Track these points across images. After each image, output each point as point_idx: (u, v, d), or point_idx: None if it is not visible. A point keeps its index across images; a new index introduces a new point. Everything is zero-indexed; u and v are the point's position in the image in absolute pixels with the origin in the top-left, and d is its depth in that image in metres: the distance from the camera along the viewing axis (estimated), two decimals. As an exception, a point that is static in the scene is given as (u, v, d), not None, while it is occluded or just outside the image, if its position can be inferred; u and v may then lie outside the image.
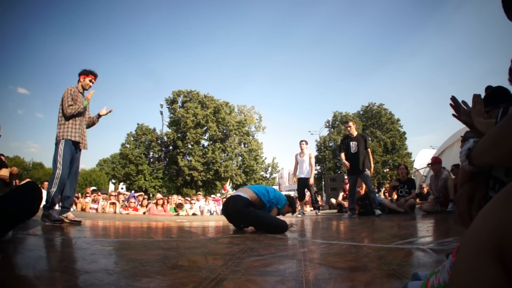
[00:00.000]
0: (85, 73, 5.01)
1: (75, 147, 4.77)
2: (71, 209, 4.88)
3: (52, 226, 4.17)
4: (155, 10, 65.77)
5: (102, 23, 67.16)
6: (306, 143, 9.00)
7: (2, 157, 4.54)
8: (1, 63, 55.05)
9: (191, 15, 66.24)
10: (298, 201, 10.28)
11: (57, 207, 4.82)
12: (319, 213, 8.43)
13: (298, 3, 70.74)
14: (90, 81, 5.02)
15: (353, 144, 7.16)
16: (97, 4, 65.59)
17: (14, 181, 4.33)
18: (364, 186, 8.40)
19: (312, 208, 10.12)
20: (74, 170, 4.85)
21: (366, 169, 7.00)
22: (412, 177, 15.59)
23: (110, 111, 5.18)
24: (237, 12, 69.11)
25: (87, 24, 68.48)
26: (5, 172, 4.16)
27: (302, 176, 8.64)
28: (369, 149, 7.15)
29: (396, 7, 64.30)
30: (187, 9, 66.19)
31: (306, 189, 8.99)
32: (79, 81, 5.02)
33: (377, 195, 8.89)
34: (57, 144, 4.63)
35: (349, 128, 7.37)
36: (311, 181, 8.72)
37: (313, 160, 8.72)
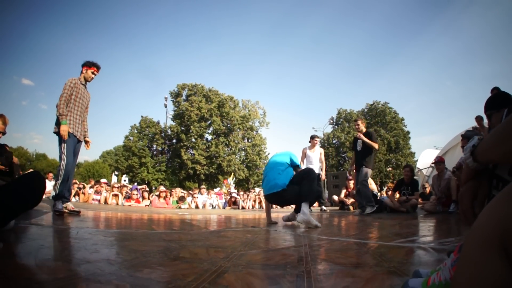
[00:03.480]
0: (88, 64, 4.97)
1: (78, 140, 4.82)
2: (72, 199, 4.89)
3: (54, 216, 4.20)
4: (161, 5, 65.60)
5: (107, 17, 67.15)
6: (319, 138, 8.97)
7: (6, 147, 4.54)
8: (5, 54, 55.12)
9: (197, 10, 66.06)
10: None
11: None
12: (326, 209, 8.38)
13: (304, 2, 70.30)
14: (93, 73, 5.00)
15: (358, 142, 7.29)
16: (104, -3, 65.45)
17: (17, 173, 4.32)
18: (368, 184, 8.40)
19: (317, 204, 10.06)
20: (74, 162, 4.89)
21: (364, 166, 7.05)
22: (415, 177, 15.55)
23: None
24: (243, 9, 68.92)
25: (92, 18, 68.44)
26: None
27: None
28: (373, 144, 7.11)
29: (402, 9, 63.86)
30: (193, 4, 66.00)
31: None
32: (81, 72, 4.97)
33: (376, 192, 8.88)
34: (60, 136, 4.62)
35: (357, 127, 7.47)
36: (323, 176, 8.68)
37: (323, 157, 8.63)
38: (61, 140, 4.56)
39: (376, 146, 7.14)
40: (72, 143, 4.68)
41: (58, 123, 4.58)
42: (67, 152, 4.55)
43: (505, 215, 0.58)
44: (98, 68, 5.06)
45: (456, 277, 0.68)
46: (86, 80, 5.00)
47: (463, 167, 1.09)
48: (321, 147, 8.76)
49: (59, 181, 4.49)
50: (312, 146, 8.63)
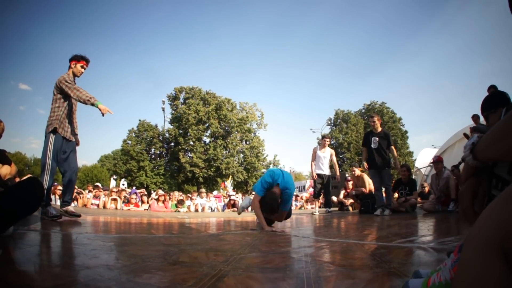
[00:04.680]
0: (77, 58, 4.72)
1: (66, 140, 4.60)
2: (72, 204, 4.80)
3: (53, 221, 4.17)
4: (158, 8, 65.41)
5: (104, 21, 66.82)
6: (330, 139, 8.92)
7: (5, 153, 4.48)
8: (3, 59, 54.86)
9: (193, 12, 66.00)
10: (313, 198, 10.31)
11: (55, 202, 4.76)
12: (330, 211, 8.48)
13: (301, 2, 70.34)
14: (82, 67, 4.75)
15: (374, 140, 7.11)
16: (100, 2, 65.23)
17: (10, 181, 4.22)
18: (368, 185, 8.47)
19: (314, 206, 10.06)
20: (70, 163, 4.67)
21: (387, 167, 6.99)
22: (414, 176, 15.57)
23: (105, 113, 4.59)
24: (240, 11, 68.71)
25: (89, 21, 68.10)
26: (6, 170, 4.09)
27: (321, 172, 8.36)
28: (392, 147, 7.07)
29: (399, 8, 63.81)
30: (189, 7, 65.91)
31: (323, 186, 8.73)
32: (70, 67, 4.72)
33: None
34: (46, 137, 4.45)
35: (373, 124, 7.33)
36: (338, 178, 8.73)
37: (334, 158, 8.59)
38: (47, 142, 4.40)
39: (395, 152, 7.17)
40: (59, 145, 4.49)
41: (50, 124, 4.43)
42: (52, 155, 4.39)
43: (504, 219, 0.58)
44: (87, 61, 4.82)
45: (456, 279, 0.69)
46: (75, 76, 4.74)
47: (463, 165, 1.09)
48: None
49: (46, 186, 4.29)
50: (323, 146, 8.54)
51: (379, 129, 7.23)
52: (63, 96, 4.59)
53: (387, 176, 7.05)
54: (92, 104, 4.41)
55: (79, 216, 4.69)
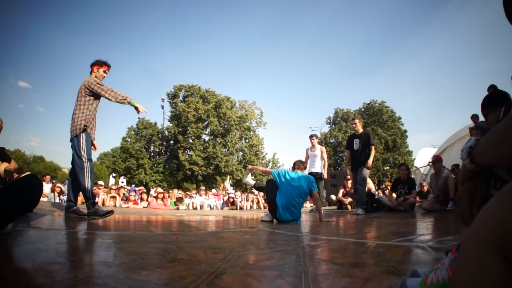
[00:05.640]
0: (99, 63, 4.77)
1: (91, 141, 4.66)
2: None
3: (52, 219, 4.15)
4: (157, 7, 65.38)
5: (104, 19, 66.73)
6: (317, 137, 8.94)
7: (5, 150, 4.45)
8: (2, 56, 54.71)
9: (193, 11, 65.91)
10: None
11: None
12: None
13: (300, 1, 70.22)
14: (104, 71, 4.80)
15: (356, 142, 7.28)
16: (100, 1, 65.04)
17: (8, 178, 4.18)
18: (367, 184, 8.47)
19: (312, 205, 10.05)
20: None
21: (362, 166, 7.01)
22: (413, 175, 15.59)
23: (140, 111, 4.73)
24: (239, 9, 68.60)
25: (89, 20, 67.95)
26: (4, 166, 4.07)
27: (313, 170, 8.47)
28: (372, 146, 7.07)
29: (399, 7, 63.84)
30: (189, 5, 65.81)
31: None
32: (92, 72, 4.74)
33: (374, 191, 8.91)
34: (77, 137, 4.44)
35: (354, 126, 7.47)
36: (325, 175, 8.73)
37: (325, 155, 8.66)
38: (79, 142, 4.41)
39: (373, 151, 7.09)
40: (90, 143, 4.53)
41: (79, 124, 4.44)
42: (87, 153, 4.42)
43: (502, 217, 0.58)
44: (109, 66, 4.87)
45: (454, 278, 0.69)
46: None
47: (461, 168, 1.09)
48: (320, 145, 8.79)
49: (90, 184, 4.37)
50: (312, 145, 8.70)
51: (361, 130, 7.40)
52: (92, 98, 4.62)
53: (361, 175, 7.09)
54: (129, 103, 4.55)
55: (88, 215, 4.67)
